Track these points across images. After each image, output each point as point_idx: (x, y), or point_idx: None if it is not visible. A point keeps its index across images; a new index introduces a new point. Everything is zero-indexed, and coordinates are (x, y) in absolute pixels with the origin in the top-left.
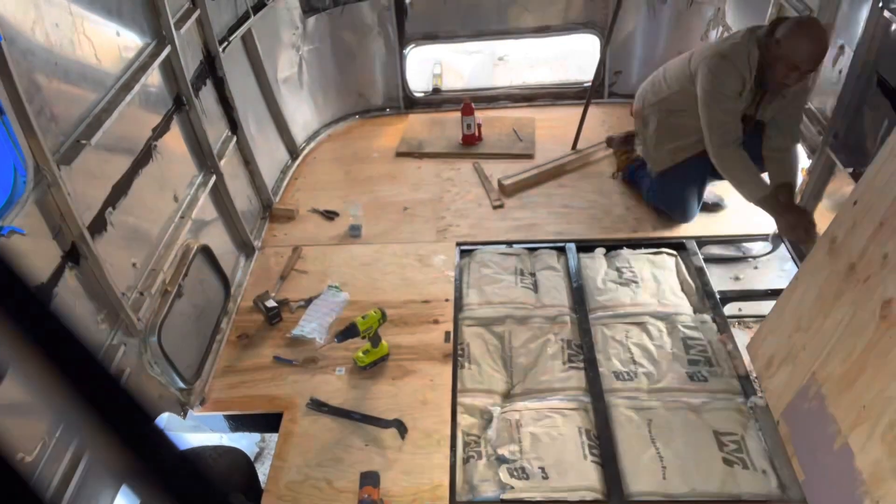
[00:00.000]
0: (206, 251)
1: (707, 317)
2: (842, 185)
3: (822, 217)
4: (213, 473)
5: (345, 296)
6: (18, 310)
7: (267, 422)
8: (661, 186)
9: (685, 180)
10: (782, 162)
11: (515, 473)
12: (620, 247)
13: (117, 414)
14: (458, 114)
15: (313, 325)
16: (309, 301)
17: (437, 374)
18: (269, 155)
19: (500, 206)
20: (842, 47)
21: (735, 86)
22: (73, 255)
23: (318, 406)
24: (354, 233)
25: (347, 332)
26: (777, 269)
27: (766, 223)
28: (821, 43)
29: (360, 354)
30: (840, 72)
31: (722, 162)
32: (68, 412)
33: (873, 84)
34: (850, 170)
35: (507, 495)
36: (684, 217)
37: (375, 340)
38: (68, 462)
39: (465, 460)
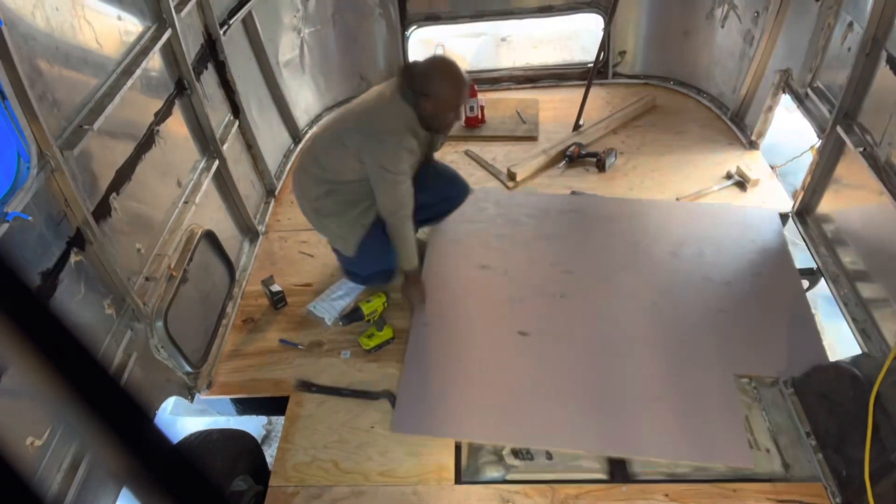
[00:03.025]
0: (210, 236)
1: None
2: (852, 164)
3: (834, 198)
4: (215, 469)
5: None
6: (17, 309)
7: (273, 405)
8: (362, 258)
9: (383, 239)
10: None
11: (520, 454)
12: None
13: (116, 415)
14: None
15: (325, 305)
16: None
17: None
18: (272, 139)
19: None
20: (850, 24)
21: (414, 158)
22: (78, 241)
23: (306, 387)
24: None
25: (352, 315)
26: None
27: (774, 206)
28: (461, 78)
29: (365, 338)
30: (849, 49)
31: (398, 226)
32: (67, 413)
33: (882, 62)
34: (861, 149)
35: (512, 476)
36: (388, 279)
37: (380, 324)
38: (69, 463)
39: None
